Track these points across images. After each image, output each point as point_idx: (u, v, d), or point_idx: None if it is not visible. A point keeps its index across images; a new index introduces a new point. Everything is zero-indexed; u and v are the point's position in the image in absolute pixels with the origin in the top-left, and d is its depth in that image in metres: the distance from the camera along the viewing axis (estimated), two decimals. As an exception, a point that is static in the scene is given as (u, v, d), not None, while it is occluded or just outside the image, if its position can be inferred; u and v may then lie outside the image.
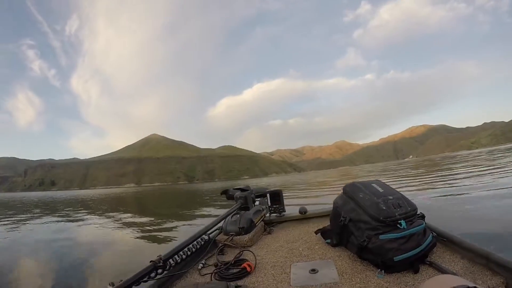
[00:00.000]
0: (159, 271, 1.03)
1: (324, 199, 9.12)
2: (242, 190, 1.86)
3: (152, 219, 8.62)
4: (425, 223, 1.04)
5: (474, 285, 0.45)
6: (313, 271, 1.03)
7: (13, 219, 10.81)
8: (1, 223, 9.61)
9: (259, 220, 1.68)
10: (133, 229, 6.97)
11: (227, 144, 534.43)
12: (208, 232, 1.46)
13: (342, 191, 1.22)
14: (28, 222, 9.68)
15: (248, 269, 1.09)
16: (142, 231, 6.63)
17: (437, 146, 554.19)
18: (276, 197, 1.95)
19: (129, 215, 10.63)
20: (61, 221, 9.62)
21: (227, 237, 1.47)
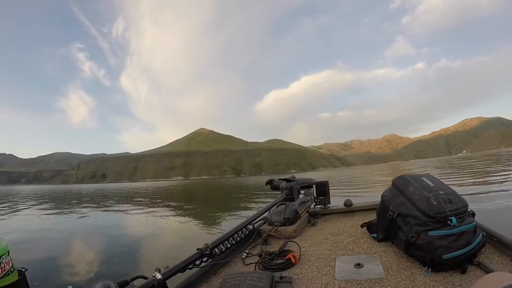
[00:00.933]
0: (205, 259, 1.05)
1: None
2: (287, 180, 1.85)
3: (199, 210, 9.29)
4: (476, 221, 1.00)
5: None
6: (358, 265, 1.01)
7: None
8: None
9: (304, 211, 1.68)
10: (180, 219, 7.47)
11: (274, 138, 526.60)
12: (253, 222, 1.48)
13: (391, 184, 1.18)
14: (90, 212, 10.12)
15: (293, 260, 1.09)
16: (189, 221, 7.09)
17: (492, 141, 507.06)
18: (322, 188, 1.91)
19: (177, 205, 11.23)
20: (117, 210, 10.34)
21: (272, 227, 1.47)
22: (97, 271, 3.42)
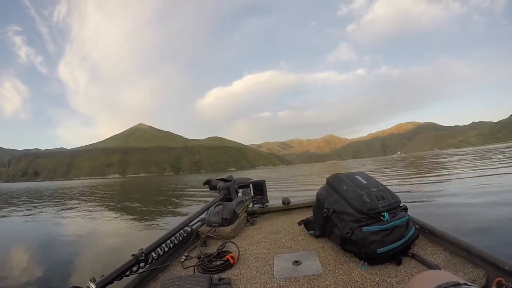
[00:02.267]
0: (141, 264, 1.01)
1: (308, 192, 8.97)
2: (225, 180, 1.85)
3: (136, 210, 8.83)
4: (408, 216, 1.04)
5: (464, 282, 0.45)
6: (296, 262, 1.02)
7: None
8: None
9: (242, 211, 1.67)
10: (116, 221, 7.00)
11: (215, 136, 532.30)
12: (191, 223, 1.45)
13: (325, 182, 1.21)
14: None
15: (231, 261, 1.08)
16: (126, 223, 6.65)
17: (425, 143, 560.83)
18: (259, 187, 1.92)
19: (112, 205, 10.83)
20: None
21: (210, 228, 1.45)
22: (26, 284, 3.06)
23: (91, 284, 0.78)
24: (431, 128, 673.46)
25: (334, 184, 1.14)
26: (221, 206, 1.55)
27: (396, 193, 1.09)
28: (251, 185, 1.94)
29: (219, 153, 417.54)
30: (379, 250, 0.92)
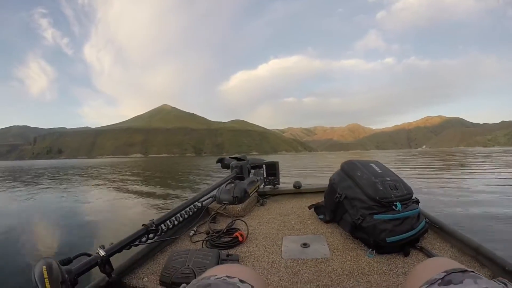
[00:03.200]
0: (151, 235, 1.03)
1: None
2: (238, 159, 1.84)
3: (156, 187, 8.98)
4: (420, 208, 1.04)
5: (471, 270, 0.45)
6: (305, 245, 1.03)
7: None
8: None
9: (253, 190, 1.68)
10: (129, 196, 7.08)
11: (238, 119, 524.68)
12: (202, 199, 1.47)
13: (340, 167, 1.20)
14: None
15: (240, 238, 1.09)
16: (138, 198, 6.73)
17: (452, 139, 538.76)
18: (272, 169, 1.94)
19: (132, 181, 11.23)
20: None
21: (220, 205, 1.47)
22: (40, 249, 3.26)
23: (100, 251, 0.79)
24: (459, 124, 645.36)
25: (348, 170, 1.14)
26: (232, 185, 1.58)
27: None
28: (264, 166, 1.96)
29: (242, 136, 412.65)
30: (388, 239, 0.91)
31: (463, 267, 0.46)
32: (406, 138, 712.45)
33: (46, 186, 10.04)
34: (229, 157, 1.91)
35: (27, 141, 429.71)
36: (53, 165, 35.58)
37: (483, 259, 0.83)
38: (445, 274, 0.44)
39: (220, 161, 1.94)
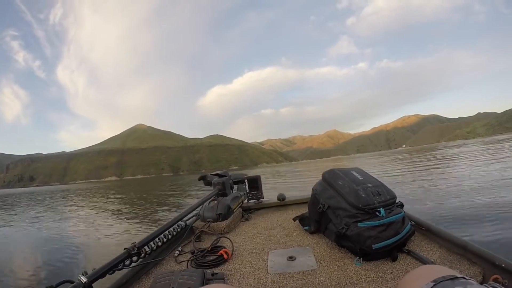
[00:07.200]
0: (134, 258, 1.00)
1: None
2: (220, 176, 1.83)
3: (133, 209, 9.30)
4: (404, 212, 1.04)
5: (461, 276, 0.45)
6: (291, 258, 1.02)
7: None
8: None
9: (236, 206, 1.66)
10: (111, 220, 7.38)
11: (216, 134, 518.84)
12: (185, 218, 1.46)
13: (321, 177, 1.20)
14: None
15: (225, 256, 1.08)
16: (120, 222, 6.97)
17: (430, 136, 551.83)
18: (254, 183, 1.93)
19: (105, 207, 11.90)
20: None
21: (204, 223, 1.45)
22: (21, 278, 3.28)
23: (81, 277, 0.77)
24: (436, 121, 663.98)
25: (329, 179, 1.13)
26: (215, 201, 1.56)
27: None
28: (246, 181, 1.94)
29: (220, 151, 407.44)
30: (375, 246, 0.91)
31: (453, 273, 0.45)
32: (385, 140, 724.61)
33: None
34: (211, 174, 1.89)
35: (1, 169, 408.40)
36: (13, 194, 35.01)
37: (472, 257, 0.83)
38: (434, 283, 0.43)
39: (202, 178, 1.92)
